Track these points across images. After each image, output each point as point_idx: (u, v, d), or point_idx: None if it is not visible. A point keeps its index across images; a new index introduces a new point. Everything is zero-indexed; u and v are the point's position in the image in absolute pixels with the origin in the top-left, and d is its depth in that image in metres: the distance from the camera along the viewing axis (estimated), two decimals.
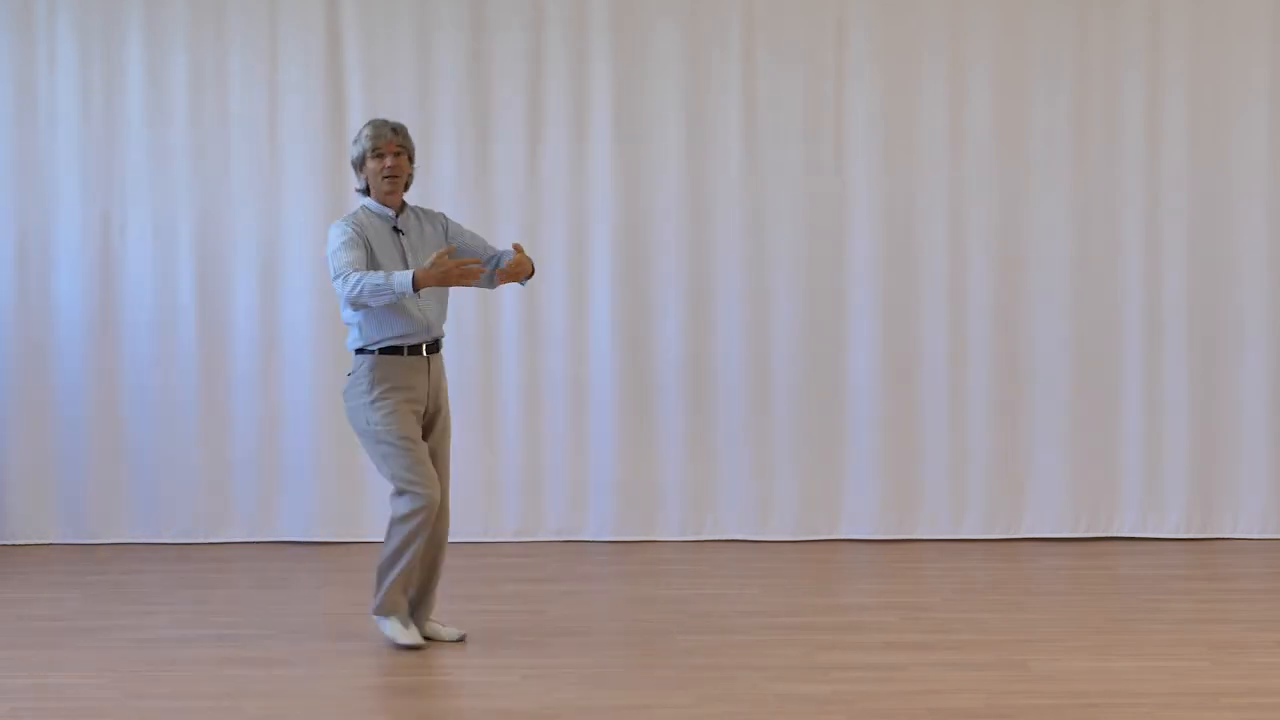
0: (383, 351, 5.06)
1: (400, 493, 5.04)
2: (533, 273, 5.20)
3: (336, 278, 4.97)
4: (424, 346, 5.11)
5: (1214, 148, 6.84)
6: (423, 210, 5.26)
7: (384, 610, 5.13)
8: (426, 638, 5.19)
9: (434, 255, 4.91)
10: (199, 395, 6.87)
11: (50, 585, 6.18)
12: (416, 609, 5.23)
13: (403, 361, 5.07)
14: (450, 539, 6.84)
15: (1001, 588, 6.09)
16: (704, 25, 6.81)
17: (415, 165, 5.19)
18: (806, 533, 6.93)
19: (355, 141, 5.11)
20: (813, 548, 6.83)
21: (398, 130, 5.10)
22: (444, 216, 5.29)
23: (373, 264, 5.01)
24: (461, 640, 5.22)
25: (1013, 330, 6.88)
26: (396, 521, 5.06)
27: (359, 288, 4.89)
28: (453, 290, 6.82)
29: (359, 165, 5.10)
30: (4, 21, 6.79)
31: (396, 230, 5.11)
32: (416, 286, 4.86)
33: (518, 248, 5.14)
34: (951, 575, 6.28)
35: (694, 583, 6.15)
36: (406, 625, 5.14)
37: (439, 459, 5.20)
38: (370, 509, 6.90)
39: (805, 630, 5.38)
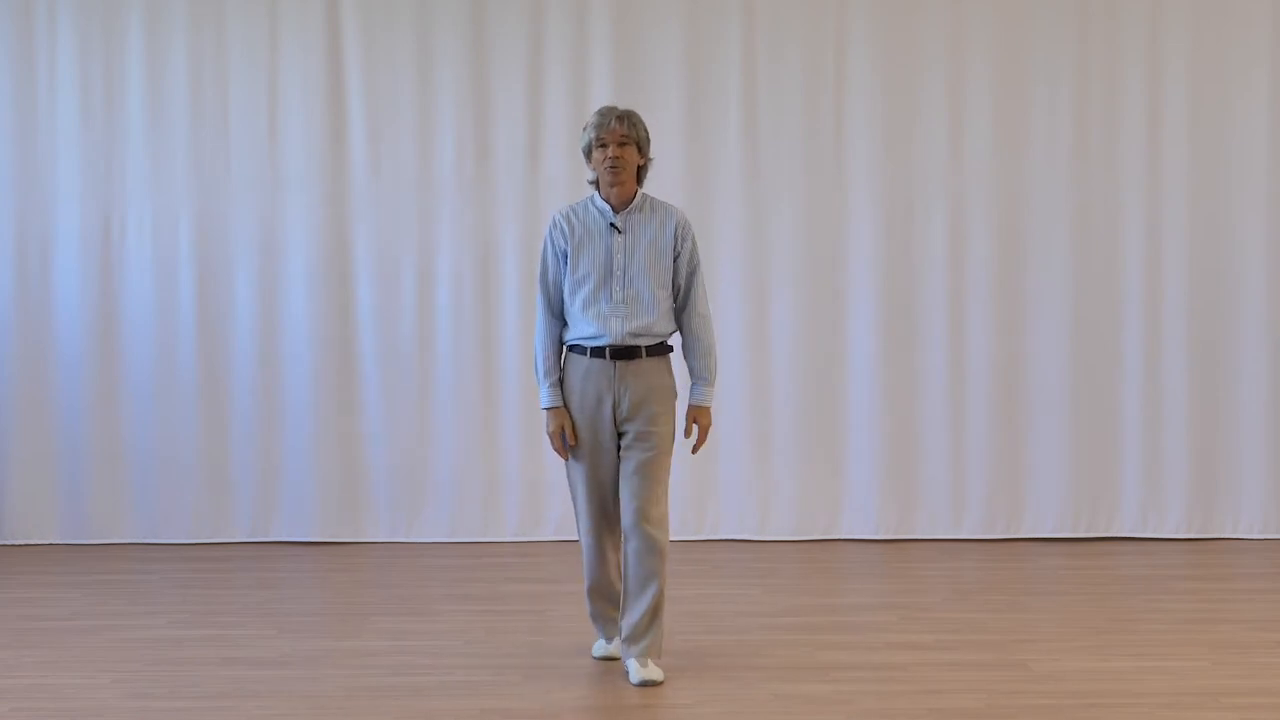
0: (571, 349, 4.88)
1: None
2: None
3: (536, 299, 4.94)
4: (608, 351, 4.78)
5: (1214, 148, 6.84)
6: (665, 209, 4.88)
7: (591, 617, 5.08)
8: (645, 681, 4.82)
9: (562, 430, 4.82)
10: (199, 395, 6.87)
11: (50, 585, 6.18)
12: (623, 631, 4.89)
13: (583, 363, 4.81)
14: (450, 539, 6.92)
15: (1001, 588, 6.09)
16: (704, 25, 6.81)
17: (651, 157, 4.85)
18: (806, 533, 6.94)
19: (584, 129, 4.84)
20: (813, 548, 6.83)
21: (623, 118, 4.77)
22: (686, 228, 4.86)
23: (568, 266, 4.81)
24: (652, 685, 4.76)
25: (1013, 330, 6.89)
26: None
27: (534, 349, 4.91)
28: (453, 281, 6.87)
29: (587, 155, 4.82)
30: (4, 21, 6.80)
31: (614, 228, 4.81)
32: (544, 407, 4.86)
33: (697, 420, 4.91)
34: (951, 575, 6.29)
35: (694, 583, 6.14)
36: (608, 640, 5.04)
37: (627, 469, 4.84)
38: (370, 509, 6.91)
39: (805, 630, 5.38)
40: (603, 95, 6.77)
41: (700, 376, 4.91)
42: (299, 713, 4.51)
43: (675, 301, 4.89)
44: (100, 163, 6.84)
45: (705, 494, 6.93)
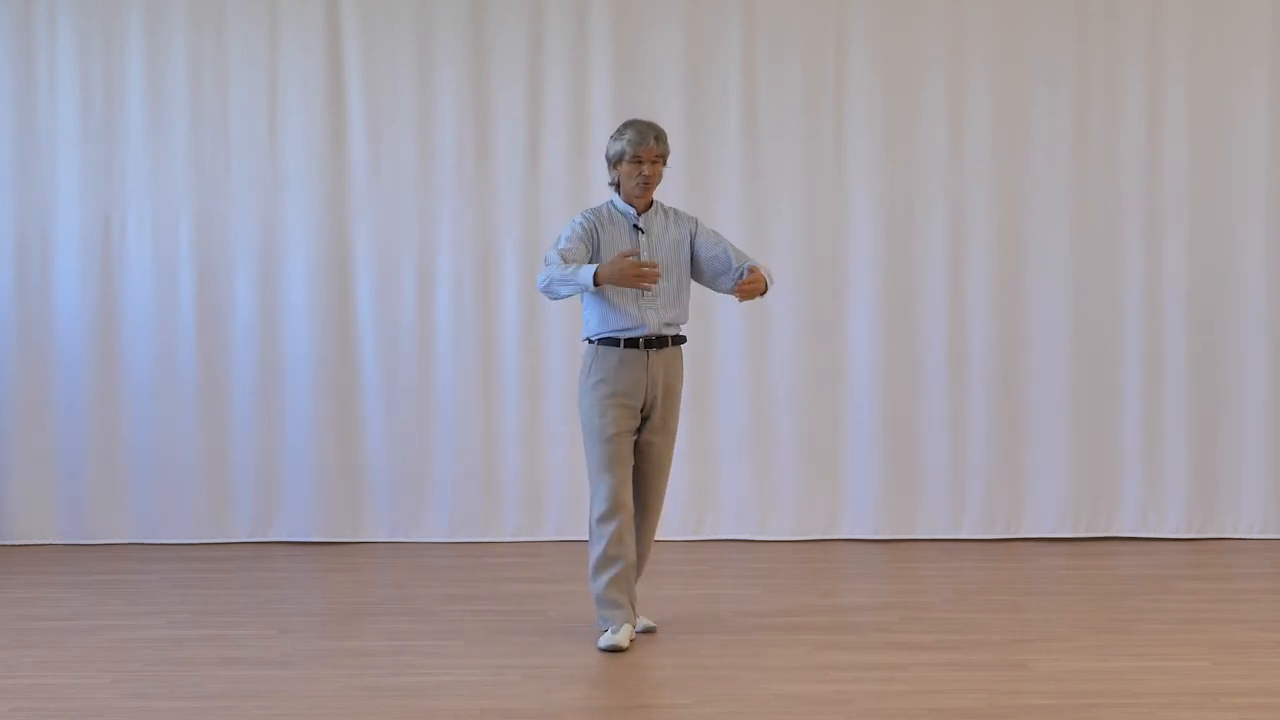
0: (601, 342, 5.13)
1: (592, 488, 5.15)
2: (765, 290, 5.15)
3: (543, 265, 5.05)
4: (642, 341, 5.11)
5: (1214, 148, 6.84)
6: (674, 211, 5.31)
7: (600, 611, 5.17)
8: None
9: (617, 254, 4.93)
10: (199, 395, 6.87)
11: (50, 585, 6.18)
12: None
13: (619, 354, 5.10)
14: (450, 539, 6.92)
15: (1001, 588, 6.08)
16: (704, 25, 6.81)
17: (666, 166, 5.23)
18: (806, 533, 6.94)
19: (614, 138, 5.14)
20: (813, 548, 6.83)
21: (660, 138, 5.15)
22: (695, 222, 5.30)
23: (597, 259, 5.06)
24: (652, 631, 5.31)
25: (1012, 330, 6.88)
26: (591, 521, 5.14)
27: (548, 280, 4.94)
28: (453, 281, 6.87)
29: (614, 162, 5.15)
30: (4, 21, 6.79)
31: (637, 229, 5.17)
32: (596, 281, 4.88)
33: (753, 270, 5.15)
34: (951, 575, 6.28)
35: (694, 583, 6.14)
36: (616, 629, 5.10)
37: (649, 456, 5.23)
38: (370, 509, 6.91)
39: (805, 630, 5.38)
40: (603, 95, 6.77)
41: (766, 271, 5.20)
42: (299, 713, 4.50)
43: (717, 267, 5.19)
44: (100, 163, 6.83)
45: (705, 494, 6.93)
